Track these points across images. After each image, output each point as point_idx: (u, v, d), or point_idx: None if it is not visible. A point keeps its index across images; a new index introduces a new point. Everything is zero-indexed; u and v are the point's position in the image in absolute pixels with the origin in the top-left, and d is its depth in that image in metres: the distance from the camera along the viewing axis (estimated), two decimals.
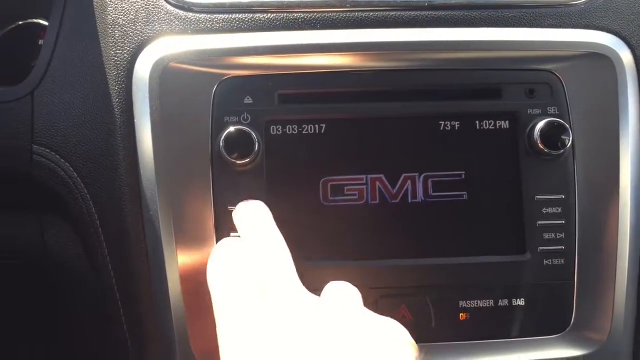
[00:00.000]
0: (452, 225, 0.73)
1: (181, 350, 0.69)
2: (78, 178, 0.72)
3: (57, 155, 0.73)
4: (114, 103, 0.71)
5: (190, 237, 0.70)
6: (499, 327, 0.71)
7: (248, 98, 0.71)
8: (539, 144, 0.71)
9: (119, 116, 0.71)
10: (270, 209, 0.70)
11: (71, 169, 0.72)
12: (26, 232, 0.81)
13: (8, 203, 0.81)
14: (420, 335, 0.70)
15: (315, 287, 0.70)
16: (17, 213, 0.82)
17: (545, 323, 0.72)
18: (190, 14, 0.72)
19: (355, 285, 0.71)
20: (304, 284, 0.62)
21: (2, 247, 0.83)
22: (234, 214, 0.67)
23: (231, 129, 0.69)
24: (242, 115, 0.71)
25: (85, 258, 0.77)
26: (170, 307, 0.69)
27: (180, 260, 0.69)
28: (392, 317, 0.70)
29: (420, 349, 0.55)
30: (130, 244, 0.70)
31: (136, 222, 0.70)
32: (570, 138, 0.71)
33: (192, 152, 0.70)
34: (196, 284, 0.69)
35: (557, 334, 0.72)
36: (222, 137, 0.69)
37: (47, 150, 0.73)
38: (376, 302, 0.70)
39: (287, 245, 0.69)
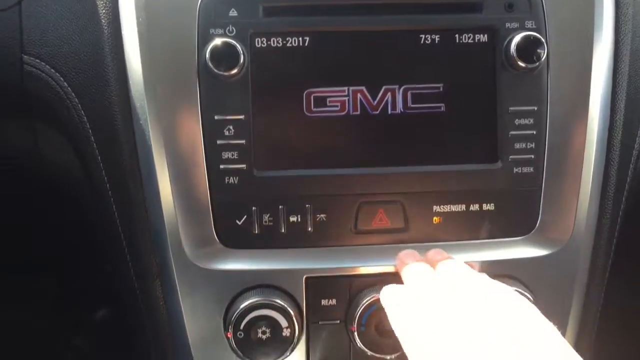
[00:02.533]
0: (429, 135, 0.76)
1: (173, 244, 0.74)
2: (69, 88, 0.74)
3: (47, 66, 0.75)
4: (101, 15, 0.73)
5: (179, 144, 0.73)
6: (470, 230, 0.77)
7: (233, 11, 0.73)
8: (515, 58, 0.73)
9: (106, 27, 0.73)
10: (256, 120, 0.73)
11: (62, 79, 0.74)
12: (20, 139, 0.84)
13: (0, 112, 0.84)
14: (397, 238, 0.77)
15: (300, 194, 0.75)
16: (9, 121, 0.84)
17: (513, 226, 0.77)
18: None
19: (337, 193, 0.76)
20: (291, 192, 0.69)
21: None
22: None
23: (217, 41, 0.71)
24: (227, 28, 0.72)
25: (79, 164, 0.80)
26: (162, 209, 0.73)
27: (170, 164, 0.73)
28: (370, 221, 0.76)
29: None
30: (121, 149, 0.74)
31: (127, 130, 0.74)
32: (546, 52, 0.73)
33: (179, 64, 0.73)
34: (186, 186, 0.74)
35: (523, 235, 0.78)
36: (208, 50, 0.71)
37: (38, 60, 0.75)
38: (357, 207, 0.76)
39: (273, 154, 0.74)
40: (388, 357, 0.75)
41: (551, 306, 0.76)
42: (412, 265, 0.68)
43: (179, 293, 0.75)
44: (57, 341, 1.25)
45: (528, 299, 0.74)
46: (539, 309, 0.73)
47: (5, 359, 1.16)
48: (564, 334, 0.77)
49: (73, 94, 0.74)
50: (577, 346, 0.79)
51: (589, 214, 0.77)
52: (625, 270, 0.82)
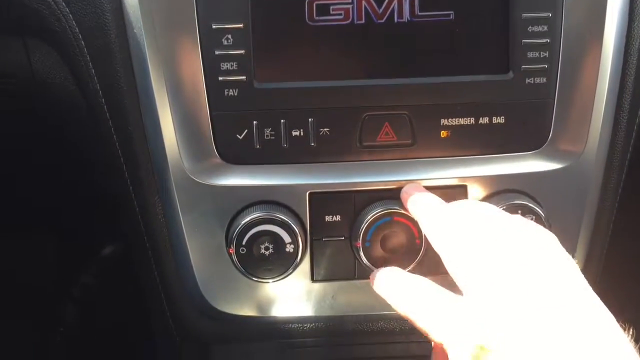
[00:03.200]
0: (438, 45, 0.72)
1: (172, 159, 0.72)
2: None
3: None
4: None
5: (176, 54, 0.70)
6: (480, 144, 0.74)
7: None
8: None
9: None
10: (256, 29, 0.70)
11: None
12: (12, 56, 0.81)
13: None
14: (404, 152, 0.74)
15: (302, 107, 0.72)
16: (1, 37, 0.81)
17: (524, 140, 0.74)
18: None
19: (341, 105, 0.73)
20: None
21: None
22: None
23: None
24: None
25: (73, 81, 0.78)
26: (159, 123, 0.71)
27: (167, 75, 0.70)
28: (376, 135, 0.73)
29: None
30: (115, 61, 0.71)
31: (121, 40, 0.70)
32: None
33: None
34: (184, 99, 0.71)
35: (535, 149, 0.75)
36: None
37: None
38: (362, 120, 0.73)
39: (274, 65, 0.71)
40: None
41: (562, 222, 0.75)
42: (424, 197, 0.66)
43: (179, 209, 0.73)
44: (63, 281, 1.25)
45: (539, 214, 0.72)
46: (551, 224, 0.72)
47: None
48: (574, 250, 0.76)
49: (63, 3, 0.71)
50: (587, 266, 0.78)
51: (604, 127, 0.74)
52: (638, 186, 0.79)
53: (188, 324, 0.79)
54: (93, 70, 0.72)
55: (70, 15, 0.71)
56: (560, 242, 0.73)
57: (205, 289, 0.75)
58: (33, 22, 0.74)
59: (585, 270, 0.75)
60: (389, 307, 0.77)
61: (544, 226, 0.71)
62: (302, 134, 0.72)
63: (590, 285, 0.53)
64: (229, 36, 0.69)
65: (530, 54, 0.72)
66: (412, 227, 0.72)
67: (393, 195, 0.73)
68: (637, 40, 0.74)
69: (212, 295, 0.76)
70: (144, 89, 0.70)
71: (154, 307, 0.81)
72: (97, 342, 1.17)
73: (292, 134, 0.72)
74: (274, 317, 0.77)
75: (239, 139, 0.72)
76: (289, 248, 0.71)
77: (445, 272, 0.75)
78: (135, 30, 0.69)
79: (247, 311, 0.76)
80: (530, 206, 0.72)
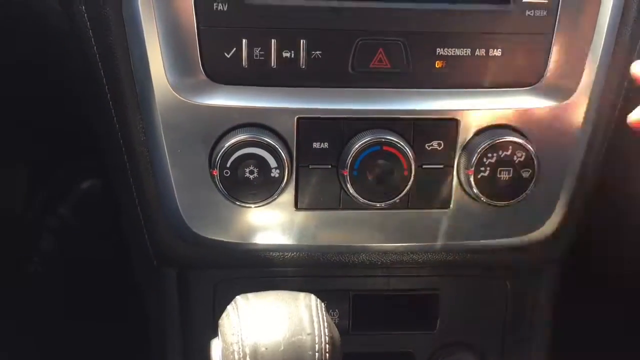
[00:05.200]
0: None
1: (155, 72, 0.68)
2: None
3: None
4: None
5: None
6: (475, 77, 0.72)
7: None
8: None
9: None
10: None
11: None
12: None
13: None
14: (397, 81, 0.72)
15: (294, 26, 0.69)
16: None
17: (520, 74, 0.73)
18: None
19: (334, 27, 0.70)
20: None
21: None
22: None
23: None
24: None
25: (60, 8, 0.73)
26: (143, 31, 0.67)
27: None
28: (369, 61, 0.71)
29: None
30: None
31: None
32: None
33: None
34: (171, 11, 0.67)
35: (531, 85, 0.73)
36: None
37: None
38: (355, 45, 0.70)
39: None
40: (378, 204, 0.72)
41: (550, 161, 0.74)
42: None
43: (161, 128, 0.70)
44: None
45: (530, 151, 0.71)
46: (538, 161, 0.71)
47: None
48: (560, 189, 0.76)
49: None
50: (572, 204, 0.77)
51: (600, 66, 0.73)
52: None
53: (167, 249, 0.77)
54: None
55: None
56: (546, 183, 0.73)
57: (186, 213, 0.73)
58: None
59: (570, 208, 0.76)
60: (371, 239, 0.77)
61: (532, 163, 0.71)
62: (292, 55, 0.69)
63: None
64: None
65: None
66: (401, 158, 0.70)
67: (383, 125, 0.71)
68: None
69: (193, 220, 0.73)
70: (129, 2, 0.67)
71: (132, 232, 0.79)
72: (74, 273, 1.15)
73: (282, 54, 0.69)
74: (255, 244, 0.75)
75: (226, 57, 0.69)
76: (275, 173, 0.69)
77: (431, 208, 0.75)
78: None
79: (228, 237, 0.74)
80: (519, 142, 0.71)
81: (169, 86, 0.68)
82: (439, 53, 0.71)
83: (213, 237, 0.74)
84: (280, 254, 0.77)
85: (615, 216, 0.91)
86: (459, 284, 0.87)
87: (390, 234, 0.76)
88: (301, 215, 0.74)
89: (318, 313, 0.58)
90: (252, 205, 0.71)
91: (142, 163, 0.73)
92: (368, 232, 0.76)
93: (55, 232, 1.21)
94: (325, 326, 0.57)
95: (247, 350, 0.55)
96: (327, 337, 0.56)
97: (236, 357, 0.55)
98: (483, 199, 0.73)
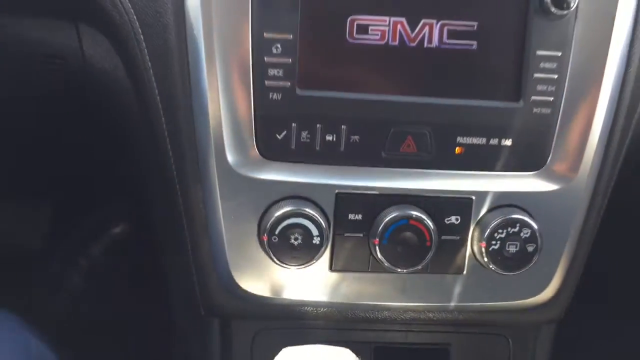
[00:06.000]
0: (460, 71, 0.82)
1: (216, 151, 0.79)
2: None
3: None
4: None
5: (229, 58, 0.77)
6: (488, 162, 0.83)
7: None
8: (549, 3, 0.78)
9: None
10: (302, 41, 0.77)
11: None
12: (63, 38, 0.87)
13: (46, 9, 0.86)
14: (423, 163, 0.83)
15: (337, 115, 0.81)
16: (53, 19, 0.87)
17: (526, 161, 0.84)
18: None
19: (371, 117, 0.81)
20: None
21: (40, 49, 0.89)
22: None
23: None
24: None
25: (124, 70, 0.84)
26: (208, 117, 0.78)
27: (219, 77, 0.77)
28: (399, 146, 0.82)
29: None
30: (173, 59, 0.78)
31: (179, 40, 0.77)
32: (577, 0, 0.78)
33: None
34: (233, 99, 0.78)
35: (535, 170, 0.85)
36: None
37: None
38: (389, 132, 0.81)
39: (315, 75, 0.79)
40: (403, 270, 0.83)
41: (551, 237, 0.85)
42: None
43: (218, 197, 0.80)
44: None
45: (533, 229, 0.82)
46: (542, 237, 0.82)
47: None
48: (559, 260, 0.87)
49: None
50: (569, 273, 0.88)
51: (595, 157, 0.84)
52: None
53: (216, 301, 0.87)
54: (149, 63, 0.78)
55: (132, 11, 0.77)
56: (548, 255, 0.84)
57: (235, 271, 0.83)
58: (90, 10, 0.80)
59: (567, 276, 0.87)
60: (394, 298, 0.87)
61: (536, 239, 0.82)
62: (334, 139, 0.81)
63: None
64: (278, 45, 0.77)
65: (539, 87, 0.82)
66: (424, 230, 0.81)
67: (410, 200, 0.82)
68: (630, 84, 0.84)
69: (241, 277, 0.84)
70: (197, 88, 0.78)
71: (182, 284, 0.89)
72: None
73: (325, 138, 0.81)
74: (293, 299, 0.85)
75: (278, 138, 0.80)
76: (316, 240, 0.80)
77: (447, 273, 0.85)
78: (194, 32, 0.77)
79: (270, 292, 0.84)
80: (526, 220, 0.83)
81: (228, 163, 0.80)
82: (458, 141, 0.83)
83: (257, 293, 0.85)
84: (314, 309, 0.87)
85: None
86: (468, 339, 0.97)
87: (411, 295, 0.87)
88: (335, 276, 0.85)
89: None
90: (293, 267, 0.81)
91: (198, 226, 0.83)
92: (391, 292, 0.87)
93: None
94: None
95: None
96: None
97: None
98: (492, 267, 0.84)
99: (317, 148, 0.81)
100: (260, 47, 0.77)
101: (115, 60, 0.85)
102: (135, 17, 0.78)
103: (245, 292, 0.84)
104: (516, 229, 0.82)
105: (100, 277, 1.32)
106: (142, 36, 0.78)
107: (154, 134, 0.81)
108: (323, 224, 0.80)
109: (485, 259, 0.83)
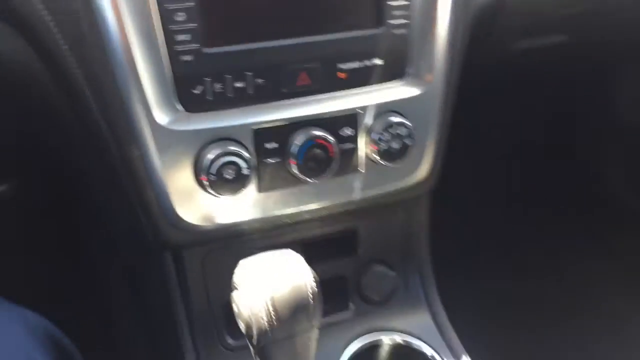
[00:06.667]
0: (331, 9, 0.99)
1: (147, 113, 0.91)
2: None
3: None
4: None
5: (143, 30, 0.88)
6: (366, 80, 1.03)
7: None
8: None
9: None
10: (202, 6, 0.89)
11: None
12: None
13: None
14: (316, 91, 1.01)
15: (242, 64, 0.94)
16: None
17: (395, 73, 1.05)
18: None
19: (271, 62, 0.96)
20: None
21: None
22: None
23: None
24: None
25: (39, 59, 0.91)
26: (134, 87, 0.90)
27: (139, 47, 0.88)
28: (295, 80, 0.99)
29: None
30: (90, 43, 0.87)
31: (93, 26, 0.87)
32: None
33: None
34: (153, 64, 0.90)
35: (400, 78, 1.06)
36: None
37: None
38: (286, 71, 0.97)
39: (219, 34, 0.91)
40: (316, 180, 1.02)
41: (422, 130, 1.08)
42: None
43: (155, 152, 0.94)
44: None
45: (409, 128, 1.04)
46: (415, 132, 1.05)
47: None
48: (427, 147, 1.11)
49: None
50: (436, 155, 1.13)
51: (445, 61, 1.07)
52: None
53: (167, 237, 1.02)
54: (69, 51, 0.87)
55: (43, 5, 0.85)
56: (420, 144, 1.06)
57: (179, 209, 0.98)
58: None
59: (435, 158, 1.12)
60: (312, 203, 1.08)
61: (411, 135, 1.05)
62: (243, 85, 0.96)
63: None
64: (182, 13, 0.89)
65: (395, 13, 1.01)
66: (328, 146, 1.00)
67: (313, 123, 1.00)
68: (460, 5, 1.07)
69: (185, 213, 0.99)
70: (119, 64, 0.89)
71: (132, 228, 1.02)
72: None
73: (235, 85, 0.95)
74: (232, 222, 1.03)
75: (196, 93, 0.94)
76: (245, 171, 0.96)
77: (349, 174, 1.06)
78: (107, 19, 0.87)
79: (213, 220, 1.01)
80: (402, 121, 1.04)
81: (157, 121, 0.93)
82: (341, 68, 1.01)
83: (202, 223, 1.01)
84: (249, 225, 1.06)
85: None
86: (369, 220, 1.21)
87: (324, 197, 1.08)
88: (263, 196, 1.03)
89: (301, 262, 0.88)
90: (230, 196, 0.98)
91: (142, 179, 0.96)
92: (309, 198, 1.07)
93: None
94: (309, 269, 0.87)
95: (267, 296, 0.83)
96: (313, 277, 0.86)
97: (260, 302, 0.81)
98: (383, 162, 1.06)
99: (231, 95, 0.96)
100: (167, 16, 0.89)
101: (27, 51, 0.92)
102: (46, 5, 0.85)
103: (192, 224, 1.00)
104: (396, 130, 1.04)
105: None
106: (56, 26, 0.86)
107: (83, 113, 0.91)
108: (248, 157, 0.96)
109: (377, 157, 1.05)
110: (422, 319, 1.20)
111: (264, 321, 0.79)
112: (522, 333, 1.69)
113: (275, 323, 0.79)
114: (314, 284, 0.83)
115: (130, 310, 1.25)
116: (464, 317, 1.23)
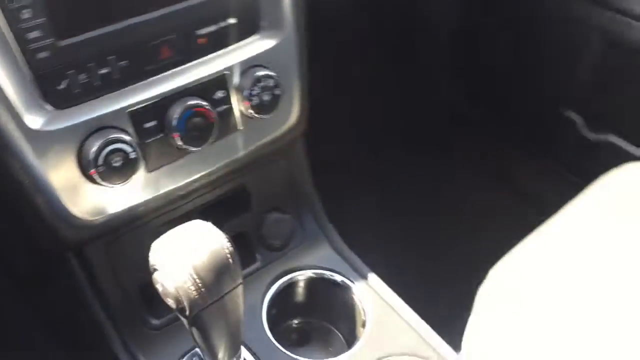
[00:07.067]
0: None
1: (18, 125, 0.88)
2: None
3: None
4: None
5: None
6: (225, 40, 1.06)
7: None
8: None
9: None
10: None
11: None
12: None
13: None
14: (180, 60, 1.02)
15: (101, 49, 0.92)
16: None
17: (249, 28, 1.08)
18: None
19: (127, 42, 0.95)
20: None
21: None
22: None
23: None
24: None
25: None
26: None
27: None
28: (158, 55, 0.99)
29: None
30: None
31: None
32: None
33: None
34: (10, 65, 0.85)
35: (256, 33, 1.10)
36: None
37: None
38: (148, 48, 0.97)
39: (71, 23, 0.88)
40: (201, 147, 1.05)
41: (286, 79, 1.13)
42: None
43: (33, 157, 0.90)
44: None
45: (275, 79, 1.09)
46: (281, 81, 1.09)
47: None
48: (295, 94, 1.16)
49: None
50: (302, 100, 1.19)
51: (291, 13, 1.11)
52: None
53: (68, 239, 1.00)
54: None
55: None
56: (288, 92, 1.12)
57: (73, 208, 0.96)
58: None
59: (302, 103, 1.18)
60: (202, 169, 1.10)
61: (278, 85, 1.09)
62: (108, 70, 0.94)
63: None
64: (28, 10, 0.85)
65: None
66: (205, 111, 1.02)
67: (186, 93, 1.01)
68: None
69: (80, 211, 0.97)
70: None
71: (33, 235, 0.98)
72: None
73: (100, 72, 0.93)
74: (128, 206, 1.03)
75: (61, 88, 0.91)
76: (132, 155, 0.96)
77: (230, 134, 1.10)
78: None
79: (110, 210, 1.01)
80: (267, 74, 1.09)
81: (28, 126, 0.89)
82: (199, 34, 1.03)
83: (100, 217, 1.00)
84: (145, 206, 1.06)
85: None
86: (256, 174, 1.26)
87: (211, 161, 1.11)
88: (153, 175, 1.03)
89: (212, 227, 0.91)
90: (124, 183, 0.97)
91: (28, 185, 0.93)
92: (196, 166, 1.09)
93: None
94: (220, 232, 0.91)
95: (189, 267, 0.85)
96: (227, 240, 0.90)
97: (184, 274, 0.84)
98: (258, 116, 1.10)
99: (98, 83, 0.94)
100: (12, 16, 0.85)
101: None
102: None
103: (89, 220, 0.99)
104: (264, 82, 1.08)
105: None
106: None
107: None
108: (131, 140, 0.96)
109: (252, 112, 1.09)
110: (324, 252, 1.29)
111: (193, 291, 0.82)
112: (410, 241, 1.87)
113: (203, 290, 0.83)
114: (229, 245, 0.87)
115: (36, 323, 1.21)
116: (360, 240, 1.34)
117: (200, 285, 0.82)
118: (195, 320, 0.88)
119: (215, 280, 0.84)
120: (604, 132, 2.04)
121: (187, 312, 0.86)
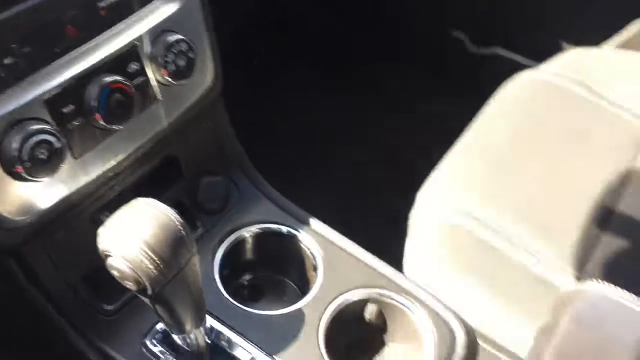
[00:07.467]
0: None
1: None
2: None
3: None
4: None
5: None
6: (126, 9, 1.01)
7: None
8: None
9: None
10: None
11: None
12: None
13: None
14: (88, 35, 0.97)
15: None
16: None
17: None
18: None
19: (24, 27, 0.88)
20: None
21: None
22: None
23: None
24: None
25: None
26: None
27: None
28: (63, 35, 0.93)
29: None
30: None
31: None
32: None
33: None
34: None
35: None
36: None
37: None
38: (48, 31, 0.91)
39: None
40: (126, 124, 1.01)
41: (198, 41, 1.11)
42: None
43: None
44: None
45: (189, 43, 1.06)
46: (194, 44, 1.07)
47: None
48: (208, 56, 1.14)
49: None
50: (215, 62, 1.17)
51: None
52: None
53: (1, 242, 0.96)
54: None
55: None
56: (202, 53, 1.09)
57: (4, 211, 0.92)
58: None
59: (215, 64, 1.16)
60: (128, 147, 1.07)
61: (194, 48, 1.07)
62: (13, 60, 0.88)
63: None
64: None
65: None
66: (122, 86, 0.98)
67: (100, 71, 0.97)
68: None
69: (11, 212, 0.92)
70: None
71: None
72: None
73: (5, 63, 0.87)
74: (61, 197, 0.99)
75: None
76: (57, 144, 0.91)
77: (151, 106, 1.07)
78: None
79: (44, 204, 0.96)
80: (178, 37, 1.05)
81: None
82: (100, 6, 0.98)
83: (30, 214, 0.95)
84: (79, 194, 1.02)
85: None
86: (183, 141, 1.24)
87: (137, 136, 1.08)
88: (81, 160, 0.99)
89: (156, 203, 0.89)
90: (55, 174, 0.93)
91: None
92: (125, 143, 1.06)
93: None
94: (165, 205, 0.89)
95: (143, 245, 0.84)
96: (175, 211, 0.88)
97: (140, 254, 0.82)
98: (176, 82, 1.08)
99: (4, 75, 0.88)
100: None
101: None
102: None
103: (21, 220, 0.94)
104: (177, 47, 1.05)
105: None
106: None
107: None
108: (52, 129, 0.91)
109: (169, 79, 1.06)
110: (264, 207, 1.30)
111: (151, 269, 0.82)
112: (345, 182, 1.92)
113: (162, 266, 0.82)
114: (177, 216, 0.86)
115: None
116: (296, 190, 1.36)
117: (157, 261, 0.82)
118: (159, 297, 0.87)
119: (172, 254, 0.84)
120: (492, 47, 2.16)
121: (150, 291, 0.85)
